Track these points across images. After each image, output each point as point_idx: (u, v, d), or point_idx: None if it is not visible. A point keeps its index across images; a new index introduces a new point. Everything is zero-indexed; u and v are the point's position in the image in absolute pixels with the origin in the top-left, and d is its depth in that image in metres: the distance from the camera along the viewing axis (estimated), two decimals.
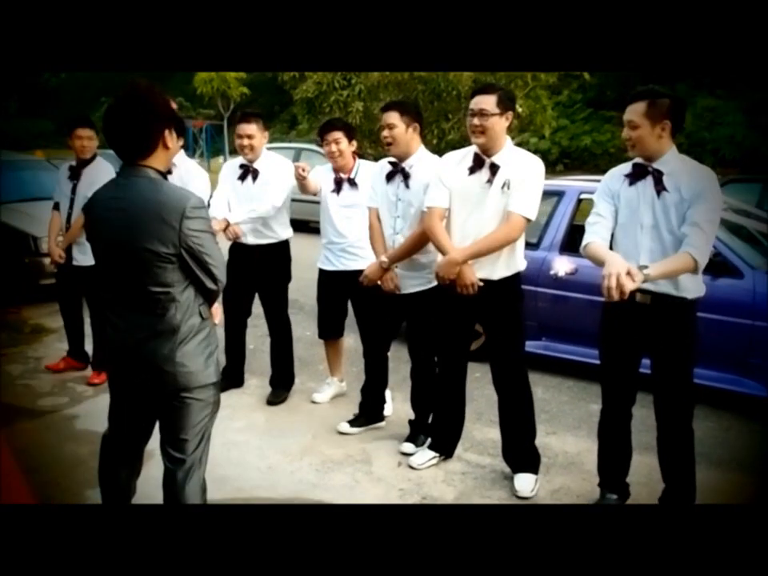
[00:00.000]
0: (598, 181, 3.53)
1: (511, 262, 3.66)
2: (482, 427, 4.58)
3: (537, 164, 3.60)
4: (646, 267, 2.81)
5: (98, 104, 31.21)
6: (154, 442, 2.81)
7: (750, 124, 19.79)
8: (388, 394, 4.69)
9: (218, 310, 2.92)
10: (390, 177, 4.09)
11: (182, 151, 5.02)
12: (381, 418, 4.60)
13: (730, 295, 4.73)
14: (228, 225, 4.71)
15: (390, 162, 4.11)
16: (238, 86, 29.09)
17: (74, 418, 4.64)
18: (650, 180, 3.11)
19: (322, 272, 4.79)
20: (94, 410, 4.64)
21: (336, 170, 4.63)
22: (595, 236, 3.16)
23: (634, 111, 3.07)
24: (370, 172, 4.37)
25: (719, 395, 4.83)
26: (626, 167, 3.24)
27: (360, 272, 4.25)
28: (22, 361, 5.78)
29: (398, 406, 4.78)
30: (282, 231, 4.92)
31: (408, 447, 4.20)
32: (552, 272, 5.35)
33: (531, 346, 5.53)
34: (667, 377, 3.25)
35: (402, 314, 4.23)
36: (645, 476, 3.84)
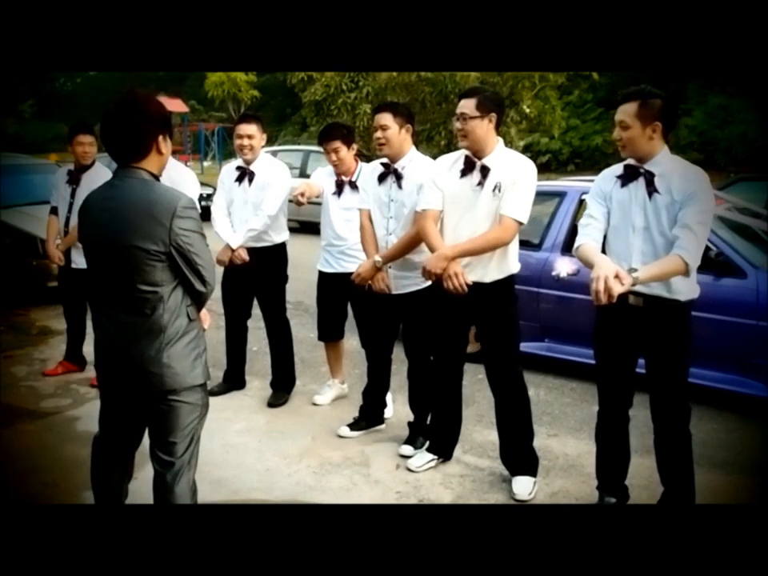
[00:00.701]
0: None
1: (503, 265, 3.64)
2: (482, 429, 4.57)
3: (528, 166, 3.60)
4: (635, 270, 2.79)
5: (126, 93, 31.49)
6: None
7: (763, 121, 19.64)
8: (389, 396, 4.69)
9: (206, 315, 2.92)
10: (382, 178, 4.10)
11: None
12: (381, 420, 4.60)
13: (733, 295, 4.70)
14: (232, 251, 4.78)
15: (382, 164, 4.12)
16: (248, 89, 29.32)
17: (76, 419, 4.66)
18: (641, 181, 3.09)
19: (321, 274, 4.80)
20: (95, 411, 4.53)
21: (338, 174, 4.64)
22: (587, 238, 3.14)
23: (625, 112, 3.06)
24: (363, 176, 4.38)
25: (723, 397, 4.80)
26: (617, 168, 3.22)
27: None
28: (28, 362, 5.83)
29: (398, 408, 4.77)
30: (278, 236, 4.94)
31: (406, 450, 4.19)
32: (554, 273, 5.33)
33: (534, 347, 5.55)
34: (662, 379, 3.23)
35: (399, 315, 4.23)
36: (646, 478, 3.81)
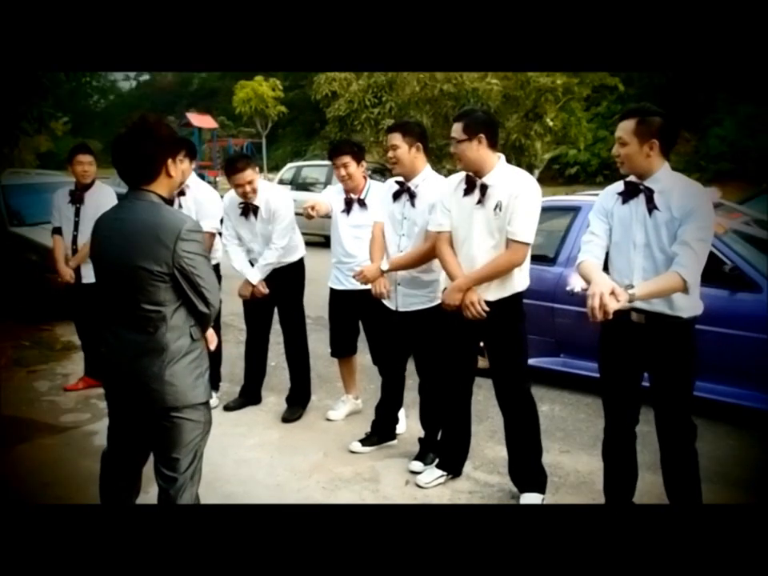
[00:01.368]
0: None
1: (507, 284, 3.65)
2: (494, 445, 4.55)
3: (529, 183, 3.61)
4: (631, 287, 2.80)
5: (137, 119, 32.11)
6: None
7: None
8: (402, 412, 4.70)
9: (212, 335, 2.98)
10: (396, 195, 4.15)
11: (194, 174, 5.15)
12: (393, 436, 4.62)
13: (748, 310, 4.65)
14: (253, 287, 4.86)
15: (397, 182, 4.16)
16: (275, 104, 29.61)
17: (94, 434, 4.74)
18: (641, 198, 3.09)
19: (332, 291, 4.85)
20: None
21: (347, 191, 4.69)
22: (588, 255, 3.16)
23: (624, 129, 3.07)
24: (380, 192, 4.42)
25: (740, 413, 4.73)
26: (618, 186, 3.23)
27: (369, 291, 4.28)
28: (50, 377, 5.95)
29: (411, 423, 4.77)
30: (293, 256, 5.02)
31: (416, 466, 4.20)
32: (569, 288, 5.30)
33: (549, 362, 5.54)
34: (665, 396, 3.21)
35: (408, 333, 4.25)
36: (657, 497, 3.76)
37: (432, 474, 4.06)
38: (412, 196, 4.08)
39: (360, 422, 4.93)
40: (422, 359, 4.25)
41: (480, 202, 3.60)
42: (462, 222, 3.69)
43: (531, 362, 5.21)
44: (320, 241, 11.83)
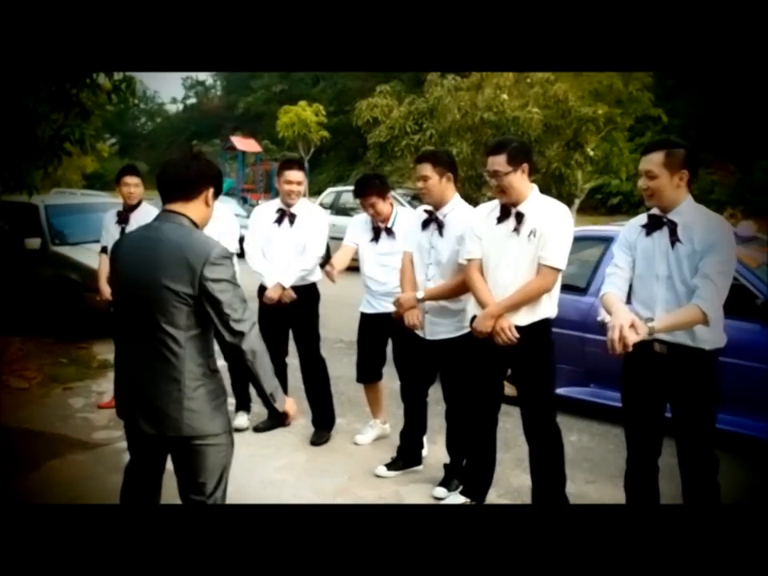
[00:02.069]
0: None
1: (536, 309, 3.66)
2: (520, 474, 4.54)
3: (563, 212, 3.64)
4: (651, 320, 2.81)
5: (189, 148, 32.76)
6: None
7: None
8: (424, 437, 4.71)
9: (291, 403, 2.97)
10: (425, 224, 4.19)
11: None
12: (419, 461, 4.63)
13: None
14: (284, 289, 4.90)
15: (426, 211, 4.21)
16: (318, 129, 29.98)
17: (124, 451, 4.69)
18: (665, 231, 3.11)
19: (363, 315, 4.92)
20: None
21: (374, 220, 4.76)
22: (611, 287, 3.19)
23: (652, 161, 3.09)
24: (408, 220, 4.47)
25: None
26: (642, 218, 3.26)
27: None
28: (85, 394, 6.08)
29: (437, 449, 4.78)
30: (315, 276, 5.10)
31: (440, 492, 4.21)
32: (599, 318, 5.27)
33: (579, 392, 5.52)
34: (687, 428, 3.20)
35: (435, 361, 4.28)
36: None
37: (455, 500, 4.06)
38: (440, 225, 4.12)
39: (387, 446, 4.95)
40: (450, 387, 4.27)
41: (516, 229, 3.63)
42: (493, 249, 3.72)
43: (561, 391, 5.23)
44: (356, 265, 11.89)
